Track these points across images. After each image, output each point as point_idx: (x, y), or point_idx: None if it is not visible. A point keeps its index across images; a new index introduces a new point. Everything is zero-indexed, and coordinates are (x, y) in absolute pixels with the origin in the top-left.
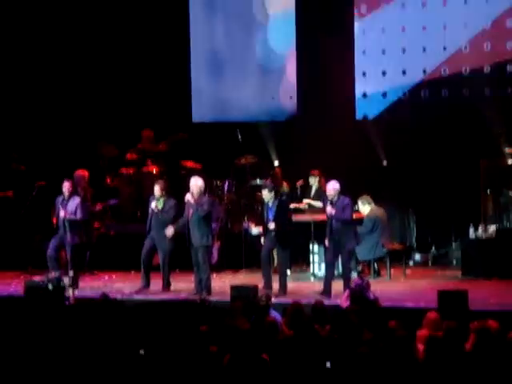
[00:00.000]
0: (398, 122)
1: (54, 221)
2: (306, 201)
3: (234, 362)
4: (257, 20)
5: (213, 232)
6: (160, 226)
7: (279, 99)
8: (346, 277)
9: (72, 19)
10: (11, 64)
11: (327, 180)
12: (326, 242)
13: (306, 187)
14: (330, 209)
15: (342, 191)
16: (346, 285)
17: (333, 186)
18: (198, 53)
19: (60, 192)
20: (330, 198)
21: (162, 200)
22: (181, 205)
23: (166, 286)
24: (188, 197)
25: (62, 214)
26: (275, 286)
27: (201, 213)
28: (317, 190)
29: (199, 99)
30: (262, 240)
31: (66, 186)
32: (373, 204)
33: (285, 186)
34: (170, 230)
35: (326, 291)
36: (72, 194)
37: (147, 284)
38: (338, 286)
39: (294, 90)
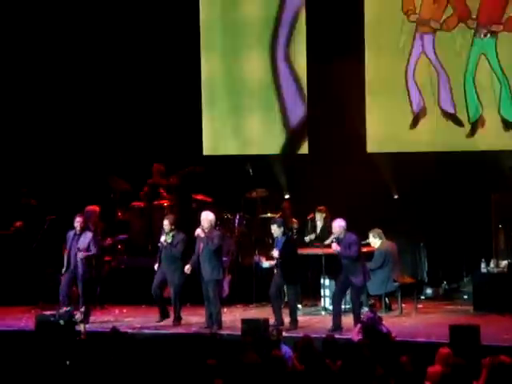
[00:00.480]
0: (409, 155)
1: (65, 255)
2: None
3: None
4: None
5: (224, 265)
6: (170, 260)
7: (291, 132)
8: (355, 312)
9: (84, 52)
10: (22, 98)
11: (333, 217)
12: (335, 246)
13: (314, 223)
14: (335, 246)
15: (353, 225)
16: (356, 320)
17: (338, 224)
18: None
19: (71, 226)
20: (335, 235)
21: (171, 234)
22: (190, 239)
23: (177, 320)
24: (198, 231)
25: (79, 255)
26: (286, 320)
27: (211, 247)
28: (322, 227)
29: (211, 132)
30: (276, 271)
31: (79, 221)
32: (384, 238)
33: (294, 222)
34: (188, 269)
35: (336, 327)
36: (84, 229)
37: (166, 315)
38: (348, 320)
39: (305, 122)
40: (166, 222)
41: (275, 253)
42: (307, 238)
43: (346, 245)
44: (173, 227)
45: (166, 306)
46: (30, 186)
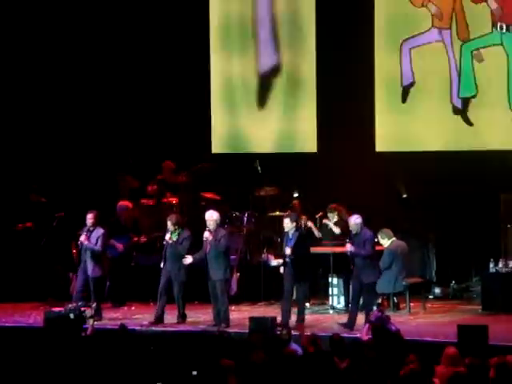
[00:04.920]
0: (418, 154)
1: (75, 254)
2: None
3: None
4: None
5: (231, 264)
6: (174, 258)
7: (300, 130)
8: (366, 310)
9: (97, 52)
10: (34, 95)
11: (348, 213)
12: (348, 246)
13: (323, 223)
14: (349, 246)
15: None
16: (367, 318)
17: (354, 221)
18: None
19: (79, 223)
20: (352, 231)
21: (176, 232)
22: (198, 237)
23: (182, 317)
24: (206, 235)
25: (82, 238)
26: (293, 318)
27: (220, 248)
28: (336, 222)
29: (219, 130)
30: (282, 269)
31: (89, 218)
32: (393, 238)
33: (304, 219)
34: (187, 260)
35: (350, 324)
36: (95, 225)
37: (160, 319)
38: (359, 319)
39: (314, 121)
40: (169, 223)
41: (287, 250)
42: (317, 233)
43: (361, 242)
44: (176, 227)
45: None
46: (39, 184)
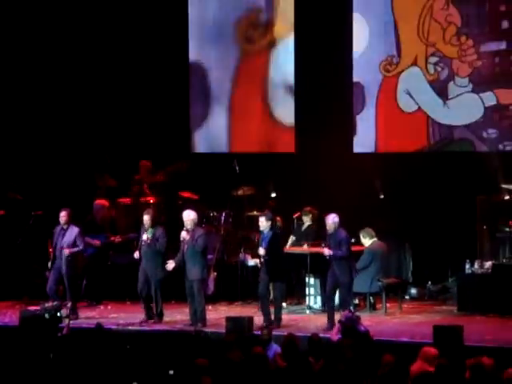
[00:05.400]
0: (394, 156)
1: (51, 251)
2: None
3: None
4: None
5: (209, 263)
6: (150, 256)
7: (279, 130)
8: (343, 310)
9: (73, 50)
10: (11, 94)
11: (323, 214)
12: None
13: (299, 223)
14: (327, 251)
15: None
16: None
17: (332, 220)
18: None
19: (56, 222)
20: (328, 231)
21: (150, 230)
22: (175, 236)
23: (159, 316)
24: (183, 235)
25: (65, 253)
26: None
27: (197, 248)
28: (307, 227)
29: (198, 130)
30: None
31: (63, 216)
32: (375, 238)
33: (278, 221)
34: (170, 265)
35: (330, 326)
36: (69, 222)
37: (151, 316)
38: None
39: (292, 121)
40: (146, 218)
41: (261, 251)
42: (291, 238)
43: (337, 242)
44: (153, 223)
45: (152, 305)
46: (16, 181)
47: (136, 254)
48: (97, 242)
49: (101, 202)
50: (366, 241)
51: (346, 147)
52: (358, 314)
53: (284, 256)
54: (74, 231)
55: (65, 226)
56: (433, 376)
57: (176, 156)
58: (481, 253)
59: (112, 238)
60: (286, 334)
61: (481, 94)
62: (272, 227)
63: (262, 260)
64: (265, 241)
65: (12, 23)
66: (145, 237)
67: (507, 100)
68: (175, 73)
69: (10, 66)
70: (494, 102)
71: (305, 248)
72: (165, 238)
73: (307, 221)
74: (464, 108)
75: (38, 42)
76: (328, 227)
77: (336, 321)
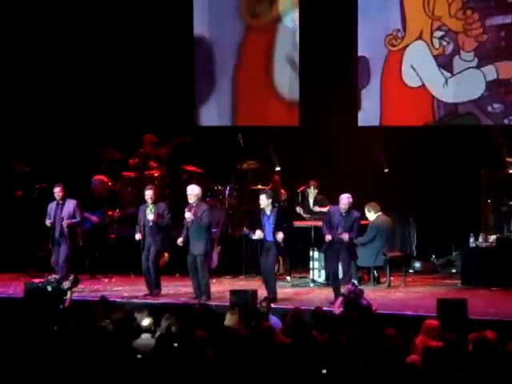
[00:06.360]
0: (399, 129)
1: (49, 224)
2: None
3: (231, 367)
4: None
5: (213, 237)
6: (154, 232)
7: (283, 104)
8: (346, 284)
9: (76, 24)
10: (15, 68)
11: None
12: (328, 237)
13: (304, 195)
14: (345, 235)
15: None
16: None
17: (348, 200)
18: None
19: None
20: (342, 210)
21: (151, 206)
22: (180, 209)
23: (157, 286)
24: (187, 215)
25: (64, 224)
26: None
27: (202, 225)
28: (315, 199)
29: (203, 103)
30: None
31: (58, 192)
32: (380, 212)
33: (283, 194)
34: (181, 241)
35: None
36: (64, 197)
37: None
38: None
39: (296, 96)
40: (149, 193)
41: (279, 236)
42: (298, 209)
43: (351, 221)
44: (155, 199)
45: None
46: (22, 154)
47: (138, 236)
48: (95, 219)
49: (99, 177)
50: (371, 215)
51: (351, 121)
52: (361, 287)
53: (293, 230)
54: (71, 204)
55: (60, 202)
56: (442, 352)
57: (181, 130)
58: (485, 227)
59: (110, 213)
60: (290, 307)
61: (482, 69)
62: (274, 204)
63: (279, 240)
64: (269, 219)
65: (19, 9)
66: (150, 217)
67: (510, 74)
68: (180, 47)
69: (16, 47)
70: (495, 76)
71: (309, 222)
72: (169, 213)
73: (312, 193)
74: (468, 83)
75: (45, 21)
76: (342, 206)
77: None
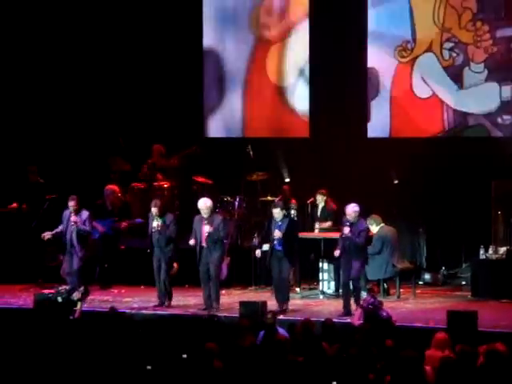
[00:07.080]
0: (409, 141)
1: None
2: (317, 226)
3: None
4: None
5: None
6: (163, 242)
7: (293, 116)
8: (356, 296)
9: (86, 38)
10: (27, 80)
11: (332, 200)
12: (337, 253)
13: (314, 206)
14: (347, 230)
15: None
16: (357, 304)
17: (353, 209)
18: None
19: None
20: (349, 220)
21: (160, 218)
22: (189, 220)
23: (168, 297)
24: (207, 229)
25: (73, 218)
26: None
27: (221, 237)
28: (323, 209)
29: (212, 115)
30: (258, 253)
31: (72, 205)
32: (382, 224)
33: (293, 203)
34: (193, 242)
35: (347, 312)
36: (79, 210)
37: (163, 302)
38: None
39: (306, 107)
40: (154, 210)
41: (277, 233)
42: (316, 225)
43: (357, 231)
44: (160, 212)
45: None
46: (38, 165)
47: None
48: (100, 229)
49: (111, 186)
50: (374, 227)
51: (361, 132)
52: (380, 299)
53: (298, 242)
54: (84, 215)
55: (74, 214)
56: (455, 363)
57: (190, 141)
58: (495, 238)
59: (117, 224)
60: (298, 318)
61: (493, 81)
62: (286, 215)
63: (276, 242)
64: (280, 228)
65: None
66: (155, 224)
67: None
68: (190, 58)
69: (27, 54)
70: (508, 90)
71: (318, 233)
72: (175, 225)
73: (321, 201)
74: (479, 95)
75: (60, 25)
76: (348, 216)
77: (353, 307)
